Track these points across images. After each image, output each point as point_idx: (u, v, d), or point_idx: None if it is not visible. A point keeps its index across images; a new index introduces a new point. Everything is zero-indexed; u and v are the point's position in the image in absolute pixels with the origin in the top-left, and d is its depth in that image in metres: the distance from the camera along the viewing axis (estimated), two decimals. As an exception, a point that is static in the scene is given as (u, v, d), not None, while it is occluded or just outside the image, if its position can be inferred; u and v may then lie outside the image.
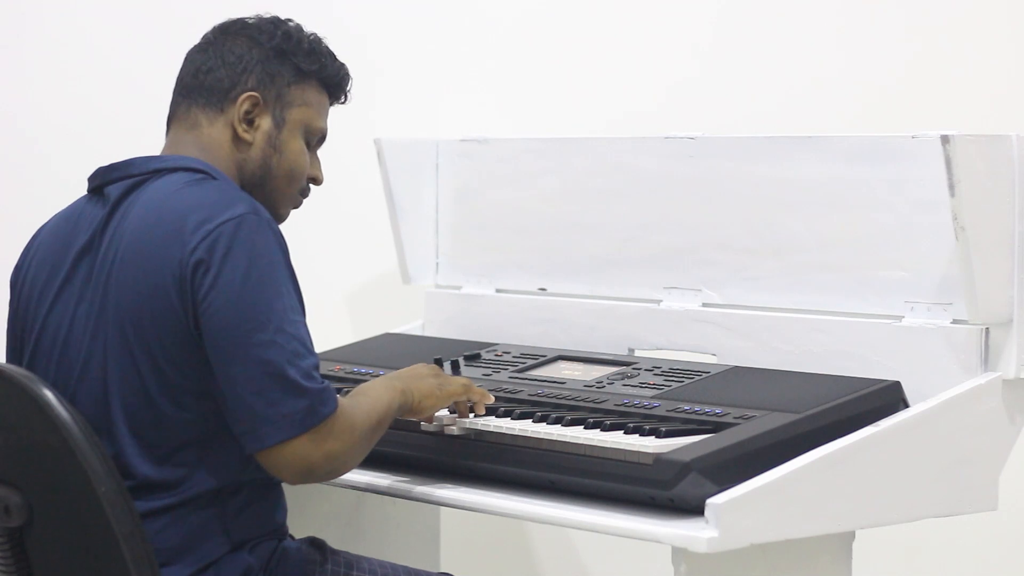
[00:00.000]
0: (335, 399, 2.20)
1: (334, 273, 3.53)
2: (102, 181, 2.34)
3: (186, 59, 2.43)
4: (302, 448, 2.16)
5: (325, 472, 2.21)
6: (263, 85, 2.39)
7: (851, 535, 2.37)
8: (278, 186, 2.42)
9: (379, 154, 3.17)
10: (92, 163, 2.39)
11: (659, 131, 2.86)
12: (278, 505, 2.35)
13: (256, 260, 2.18)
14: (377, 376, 2.78)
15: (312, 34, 2.45)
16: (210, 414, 2.21)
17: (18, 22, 3.41)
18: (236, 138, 2.37)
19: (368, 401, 2.29)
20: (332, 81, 2.46)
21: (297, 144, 2.42)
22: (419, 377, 2.40)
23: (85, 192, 2.38)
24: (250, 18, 2.44)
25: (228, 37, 2.41)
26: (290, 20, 2.45)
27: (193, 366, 2.19)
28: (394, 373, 2.42)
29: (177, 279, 2.18)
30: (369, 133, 3.23)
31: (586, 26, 3.65)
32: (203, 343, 2.18)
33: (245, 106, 2.37)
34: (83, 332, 2.26)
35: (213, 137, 2.37)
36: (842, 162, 2.59)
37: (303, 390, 2.16)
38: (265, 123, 2.39)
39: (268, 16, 2.45)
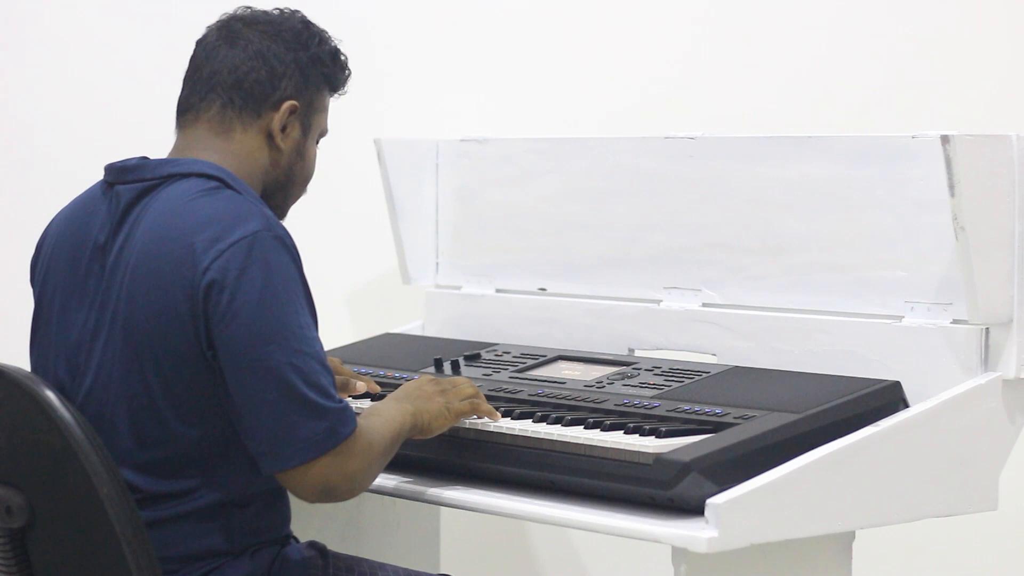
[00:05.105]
0: (354, 419, 2.18)
1: (334, 273, 3.53)
2: (115, 179, 2.27)
3: (207, 49, 2.33)
4: (323, 469, 2.15)
5: (344, 491, 2.19)
6: (300, 92, 2.34)
7: (851, 535, 2.37)
8: (295, 191, 2.40)
9: (379, 154, 3.17)
10: (97, 159, 2.36)
11: (659, 131, 2.86)
12: (284, 513, 2.34)
13: (271, 279, 2.14)
14: (377, 376, 2.79)
15: (330, 37, 2.41)
16: (218, 431, 2.18)
17: (20, 20, 3.40)
18: (269, 145, 2.33)
19: (382, 421, 2.26)
20: (342, 84, 2.44)
21: (314, 149, 2.41)
22: (427, 398, 2.37)
23: (100, 180, 2.32)
24: (273, 11, 2.37)
25: (263, 36, 2.33)
26: (311, 22, 2.39)
27: (203, 383, 2.16)
28: (402, 392, 2.38)
29: (189, 299, 2.14)
30: (369, 133, 3.23)
31: (586, 26, 3.65)
32: (216, 363, 2.14)
33: (287, 114, 2.33)
34: (92, 340, 2.22)
35: (246, 144, 2.31)
36: (842, 162, 2.59)
37: (323, 411, 2.14)
38: (295, 130, 2.35)
39: (289, 12, 2.38)
